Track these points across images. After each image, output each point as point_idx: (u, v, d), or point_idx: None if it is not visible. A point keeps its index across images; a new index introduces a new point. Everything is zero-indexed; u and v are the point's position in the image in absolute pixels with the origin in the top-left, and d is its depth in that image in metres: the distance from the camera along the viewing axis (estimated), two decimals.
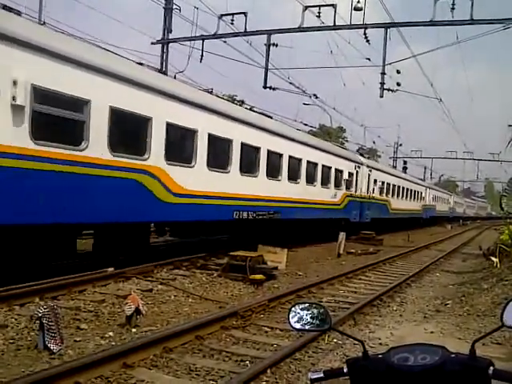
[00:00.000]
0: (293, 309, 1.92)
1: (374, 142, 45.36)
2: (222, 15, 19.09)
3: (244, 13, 18.93)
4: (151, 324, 7.35)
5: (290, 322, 1.91)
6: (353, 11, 17.72)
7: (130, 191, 10.48)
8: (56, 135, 8.91)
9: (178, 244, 13.68)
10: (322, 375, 1.68)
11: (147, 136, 10.87)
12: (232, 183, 14.20)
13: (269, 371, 5.52)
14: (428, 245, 24.71)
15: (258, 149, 15.59)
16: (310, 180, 19.73)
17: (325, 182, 21.17)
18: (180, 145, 12.55)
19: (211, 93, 15.02)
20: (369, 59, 19.97)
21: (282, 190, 17.17)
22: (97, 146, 9.53)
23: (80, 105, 9.22)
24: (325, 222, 21.81)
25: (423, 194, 45.19)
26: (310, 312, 1.89)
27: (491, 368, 1.46)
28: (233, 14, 19.18)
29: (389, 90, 19.47)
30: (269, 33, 19.52)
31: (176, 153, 11.98)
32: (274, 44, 19.58)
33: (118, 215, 10.24)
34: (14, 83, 7.91)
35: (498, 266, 14.31)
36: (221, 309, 8.58)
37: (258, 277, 11.16)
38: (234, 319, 7.60)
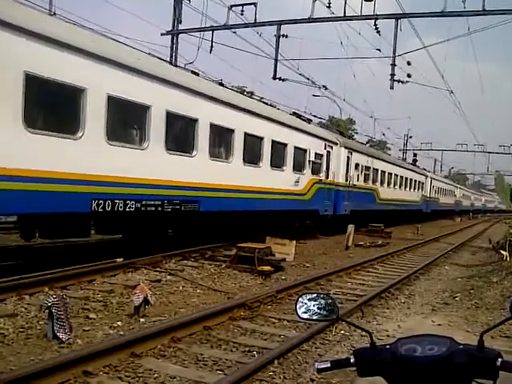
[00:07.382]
0: (300, 299, 1.90)
1: (383, 134, 44.90)
2: (232, 6, 18.98)
3: (254, 3, 18.84)
4: (159, 314, 7.39)
5: (297, 312, 1.90)
6: (363, 2, 17.59)
7: None
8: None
9: (186, 235, 13.71)
10: (328, 365, 1.67)
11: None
12: None
13: (276, 362, 5.53)
14: (437, 238, 24.59)
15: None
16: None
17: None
18: None
19: (221, 84, 14.95)
20: (379, 50, 19.81)
21: None
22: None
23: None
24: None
25: (424, 184, 40.24)
26: (317, 302, 1.87)
27: (499, 359, 1.44)
28: (243, 5, 19.02)
29: (399, 81, 19.33)
30: (279, 23, 19.42)
31: None
32: (283, 35, 19.48)
33: None
34: None
35: (508, 259, 14.21)
36: (229, 300, 8.61)
37: (266, 268, 11.16)
38: (241, 310, 7.63)
